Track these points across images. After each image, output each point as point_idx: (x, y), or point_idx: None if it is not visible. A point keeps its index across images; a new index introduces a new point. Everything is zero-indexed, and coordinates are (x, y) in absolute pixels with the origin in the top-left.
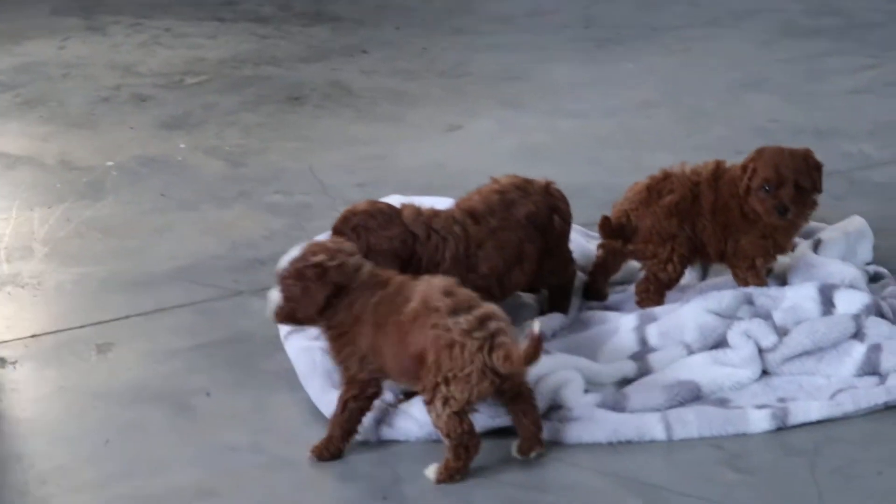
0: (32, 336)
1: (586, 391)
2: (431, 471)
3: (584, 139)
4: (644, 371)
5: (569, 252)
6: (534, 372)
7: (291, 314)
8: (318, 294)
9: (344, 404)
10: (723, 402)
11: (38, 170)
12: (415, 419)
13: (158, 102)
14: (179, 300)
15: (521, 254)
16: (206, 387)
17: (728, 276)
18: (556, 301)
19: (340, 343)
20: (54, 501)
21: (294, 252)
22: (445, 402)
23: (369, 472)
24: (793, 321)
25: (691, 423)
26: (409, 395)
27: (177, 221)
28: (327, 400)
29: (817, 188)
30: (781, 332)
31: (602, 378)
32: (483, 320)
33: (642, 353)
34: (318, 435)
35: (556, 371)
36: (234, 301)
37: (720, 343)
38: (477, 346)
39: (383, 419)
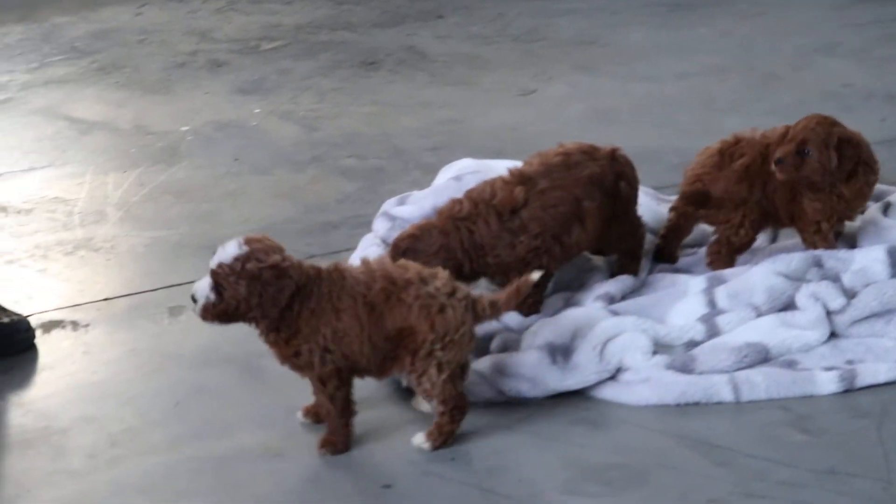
0: (105, 299)
1: (654, 353)
2: (421, 439)
3: (657, 103)
4: (712, 333)
5: (636, 217)
6: (602, 334)
7: (225, 312)
8: (279, 296)
9: (330, 399)
10: (790, 364)
11: (113, 135)
12: (484, 379)
13: (234, 68)
14: None
15: (579, 212)
16: None
17: (798, 239)
18: (625, 264)
19: (296, 344)
20: (124, 463)
21: (232, 247)
22: (440, 367)
23: None
24: (861, 283)
25: (759, 384)
26: None
27: (250, 185)
28: None
29: (823, 160)
30: (850, 295)
31: (670, 340)
32: (450, 282)
33: (711, 316)
34: (380, 394)
35: (624, 333)
36: None
37: (789, 305)
38: (464, 306)
39: None
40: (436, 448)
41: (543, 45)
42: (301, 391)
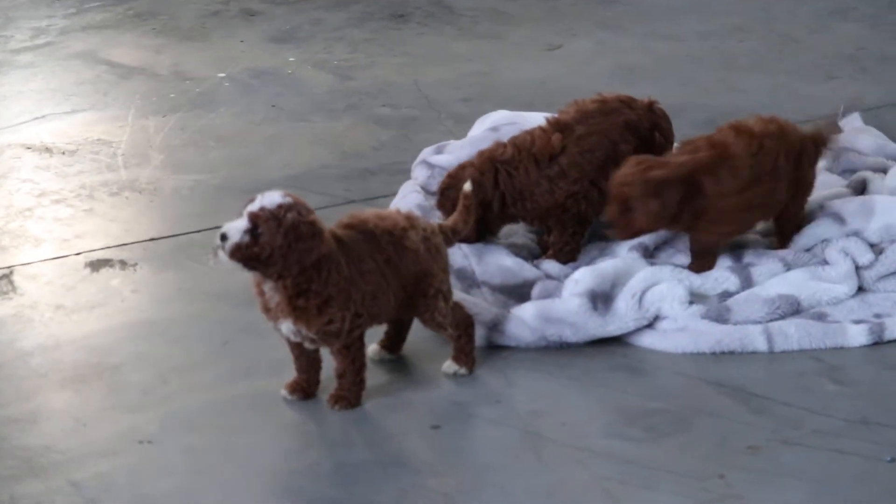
0: (151, 239)
1: (690, 303)
2: (453, 367)
3: (680, 61)
4: (746, 284)
5: None
6: (638, 285)
7: (254, 257)
8: (308, 255)
9: (353, 362)
10: (821, 317)
11: (152, 80)
12: (527, 325)
13: (267, 17)
14: None
15: (616, 156)
16: None
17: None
18: None
19: (330, 312)
20: (176, 400)
21: (276, 195)
22: (446, 298)
23: (482, 377)
24: (888, 239)
25: (792, 335)
26: None
27: (288, 132)
28: None
29: (649, 210)
30: (877, 251)
31: (705, 290)
32: (421, 220)
33: (742, 267)
34: (427, 337)
35: (661, 282)
36: (345, 208)
37: (816, 260)
38: (441, 238)
39: (494, 326)
40: (472, 370)
41: (567, 3)
42: None
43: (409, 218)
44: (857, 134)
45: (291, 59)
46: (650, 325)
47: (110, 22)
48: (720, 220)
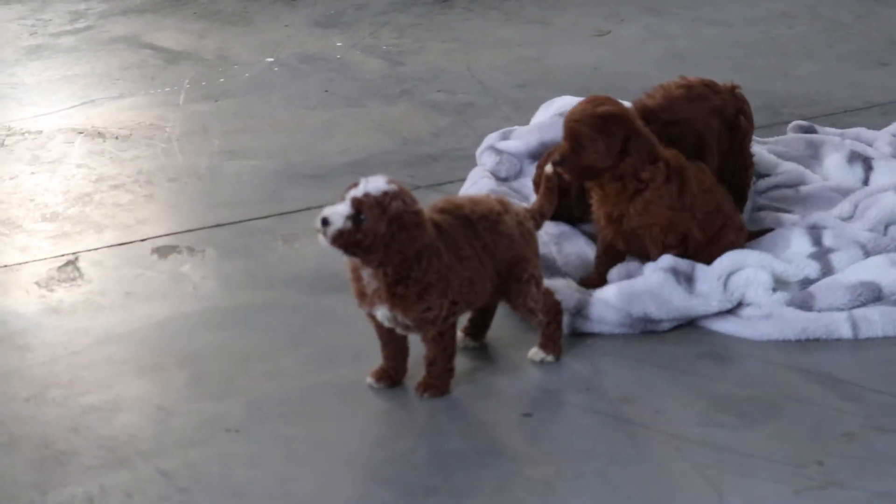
0: (216, 225)
1: (774, 290)
2: (539, 353)
3: (730, 46)
4: (826, 271)
5: (750, 154)
6: (724, 267)
7: (356, 243)
8: (410, 245)
9: (444, 349)
10: None
11: (199, 64)
12: (610, 305)
13: (309, 2)
14: None
15: (700, 145)
16: None
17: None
18: (734, 199)
19: (428, 299)
20: (259, 388)
21: (381, 181)
22: (538, 283)
23: (569, 365)
24: None
25: (876, 322)
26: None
27: (343, 117)
28: None
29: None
30: None
31: (787, 276)
32: (513, 205)
33: (821, 254)
34: (511, 326)
35: (746, 268)
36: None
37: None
38: (533, 224)
39: (578, 311)
40: (558, 357)
41: None
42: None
43: (503, 203)
44: None
45: (339, 43)
46: (732, 312)
47: (149, 5)
48: None
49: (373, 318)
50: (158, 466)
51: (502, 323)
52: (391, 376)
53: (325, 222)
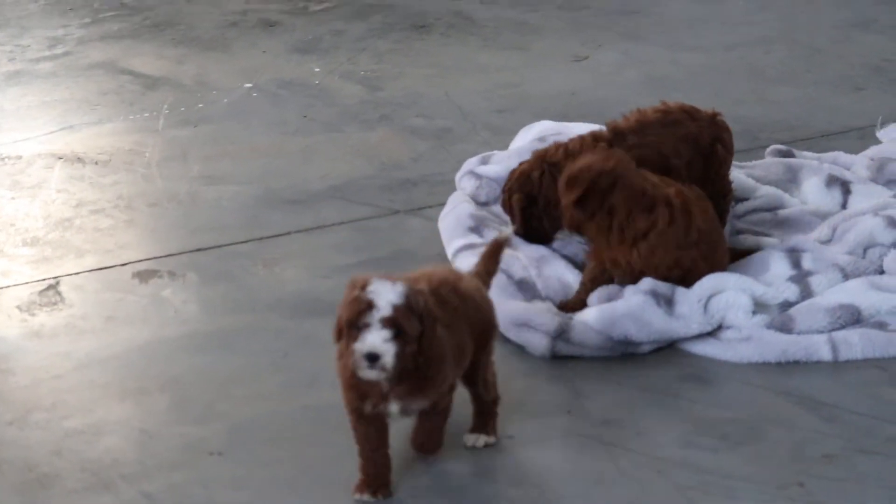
0: (197, 250)
1: (753, 313)
2: (479, 438)
3: (708, 72)
4: (805, 294)
5: (728, 181)
6: (704, 290)
7: (409, 356)
8: (436, 329)
9: (448, 411)
10: (882, 326)
11: (178, 90)
12: (591, 328)
13: (286, 28)
14: (337, 218)
15: (665, 170)
16: None
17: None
18: None
19: (443, 370)
20: (242, 412)
21: (391, 287)
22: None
23: (550, 388)
24: None
25: (856, 344)
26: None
27: (322, 142)
28: (504, 313)
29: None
30: None
31: (767, 299)
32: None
33: (800, 276)
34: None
35: (726, 291)
36: (391, 219)
37: (874, 268)
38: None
39: (559, 334)
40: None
41: (588, 14)
42: None
43: (453, 271)
44: None
45: (317, 69)
46: (712, 334)
47: (127, 32)
48: None
49: (362, 420)
50: (142, 489)
51: None
52: (383, 487)
53: (373, 358)
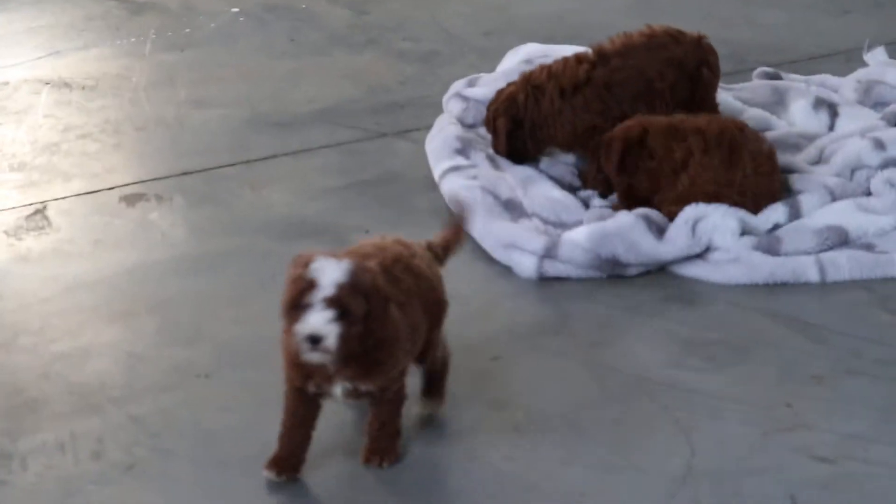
0: (184, 173)
1: (741, 234)
2: (427, 406)
3: None
4: (795, 215)
5: (715, 104)
6: (692, 214)
7: (355, 337)
8: (386, 309)
9: (399, 403)
10: (869, 247)
11: (164, 15)
12: (579, 246)
13: None
14: (324, 141)
15: (648, 93)
16: (363, 224)
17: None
18: None
19: (396, 354)
20: (229, 334)
21: (335, 266)
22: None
23: (538, 309)
24: None
25: (843, 266)
26: None
27: (310, 66)
28: (491, 235)
29: None
30: None
31: (757, 223)
32: (415, 244)
33: (790, 196)
34: (480, 272)
35: (713, 214)
36: (378, 142)
37: (861, 190)
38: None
39: (546, 253)
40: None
41: None
42: None
43: (406, 244)
44: (884, 67)
45: None
46: (701, 256)
47: None
48: None
49: (299, 397)
50: (129, 412)
51: (473, 271)
52: (294, 466)
53: (315, 340)
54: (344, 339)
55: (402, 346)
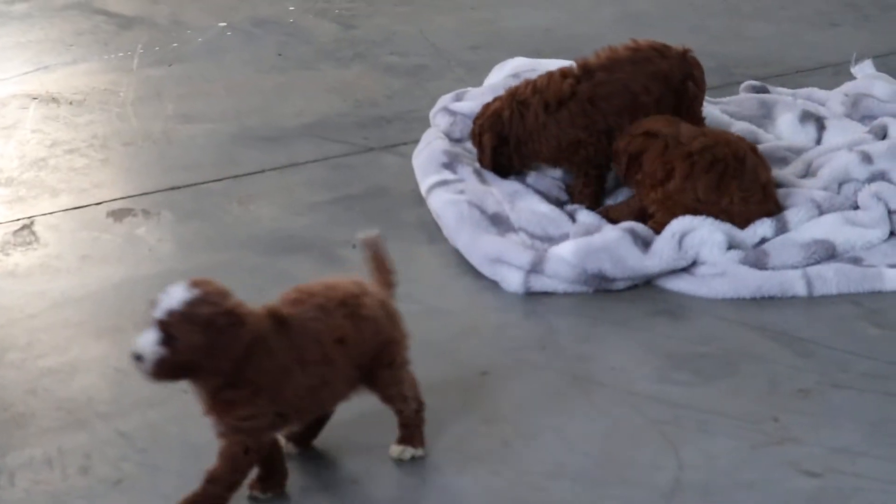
0: (172, 188)
1: (728, 248)
2: (407, 451)
3: (684, 8)
4: (782, 229)
5: (701, 118)
6: (678, 228)
7: (180, 366)
8: (235, 346)
9: (234, 470)
10: (856, 261)
11: (153, 30)
12: (566, 261)
13: None
14: (312, 155)
15: (633, 107)
16: (350, 238)
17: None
18: None
19: (250, 404)
20: None
21: (180, 292)
22: (407, 367)
23: (524, 324)
24: None
25: (830, 280)
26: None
27: (297, 80)
28: (477, 249)
29: None
30: None
31: (743, 237)
32: (364, 284)
33: (778, 210)
34: (467, 287)
35: (700, 228)
36: (365, 157)
37: (848, 203)
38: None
39: (533, 268)
40: (424, 448)
41: None
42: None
43: (360, 284)
44: (872, 80)
45: (291, 7)
46: (687, 270)
47: None
48: None
49: None
50: (117, 427)
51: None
52: (278, 483)
53: (139, 358)
54: (164, 364)
55: (271, 397)
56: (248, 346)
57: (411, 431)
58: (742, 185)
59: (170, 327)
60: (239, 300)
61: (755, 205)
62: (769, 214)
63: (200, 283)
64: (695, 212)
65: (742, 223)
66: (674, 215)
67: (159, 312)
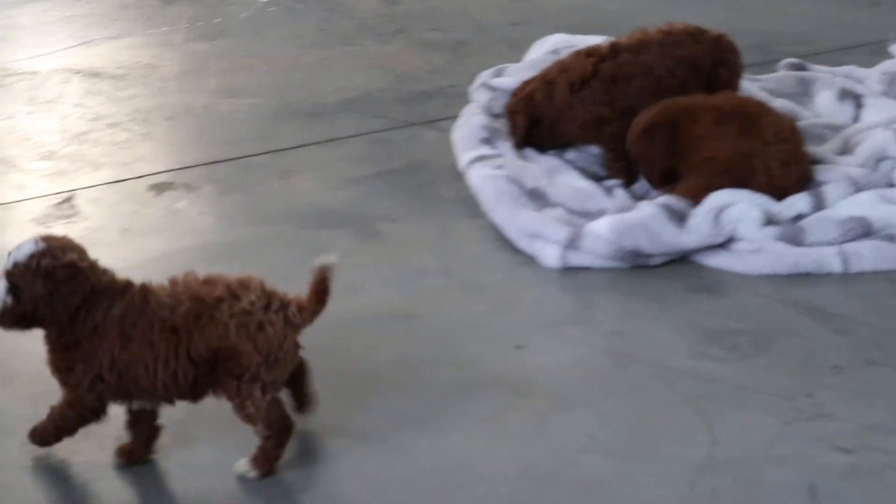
0: (213, 162)
1: (765, 224)
2: (245, 466)
3: None
4: (819, 205)
5: None
6: (715, 203)
7: (25, 316)
8: (72, 298)
9: (60, 429)
10: (892, 238)
11: (196, 4)
12: (602, 237)
13: None
14: (352, 130)
15: (657, 89)
16: (390, 213)
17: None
18: None
19: (69, 356)
20: None
21: (28, 246)
22: (264, 389)
23: (561, 299)
24: None
25: (866, 256)
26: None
27: (339, 56)
28: (515, 224)
29: None
30: None
31: (779, 211)
32: (264, 293)
33: (814, 186)
34: (504, 261)
35: (736, 203)
36: (406, 132)
37: (885, 181)
38: (282, 319)
39: (569, 243)
40: (263, 476)
41: None
42: (422, 254)
43: (243, 288)
44: None
45: None
46: (724, 246)
47: None
48: None
49: None
50: None
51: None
52: (130, 452)
53: None
54: (13, 313)
55: (89, 353)
56: (82, 301)
57: (260, 452)
58: (772, 122)
59: (16, 278)
60: (90, 259)
61: (788, 143)
62: (804, 154)
63: (48, 239)
64: (732, 165)
65: (784, 166)
66: (714, 174)
67: (8, 264)
